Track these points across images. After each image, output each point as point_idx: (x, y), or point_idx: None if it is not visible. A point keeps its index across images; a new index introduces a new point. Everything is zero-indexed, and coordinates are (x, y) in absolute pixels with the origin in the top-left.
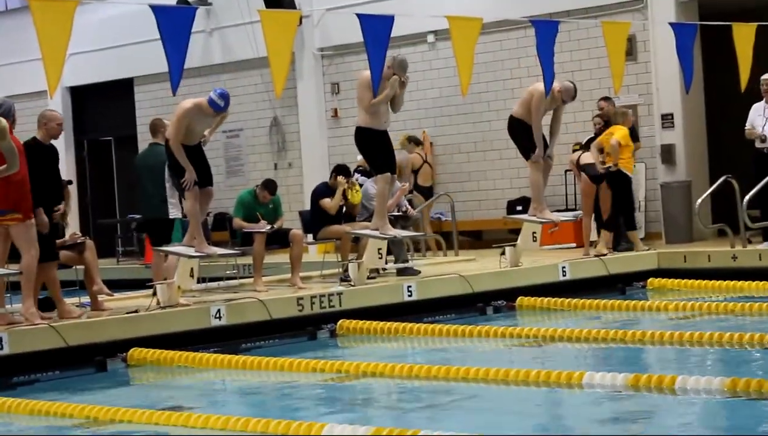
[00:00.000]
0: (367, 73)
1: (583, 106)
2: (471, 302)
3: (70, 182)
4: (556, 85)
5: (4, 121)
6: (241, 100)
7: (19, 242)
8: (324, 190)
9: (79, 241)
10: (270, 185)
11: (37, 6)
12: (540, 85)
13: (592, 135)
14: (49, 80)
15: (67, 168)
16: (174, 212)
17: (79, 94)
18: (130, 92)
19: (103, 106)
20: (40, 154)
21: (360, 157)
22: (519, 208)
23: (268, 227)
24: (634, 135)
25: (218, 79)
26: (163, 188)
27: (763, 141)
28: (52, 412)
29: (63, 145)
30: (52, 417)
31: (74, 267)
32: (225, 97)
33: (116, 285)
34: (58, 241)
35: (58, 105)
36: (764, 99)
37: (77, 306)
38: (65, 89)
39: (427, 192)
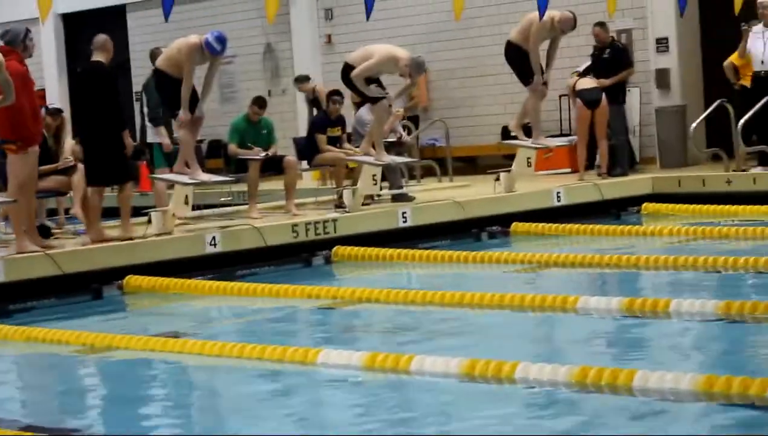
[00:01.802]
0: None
1: (578, 31)
2: (466, 228)
3: (60, 111)
4: (555, 14)
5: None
6: (234, 27)
7: (9, 170)
8: (323, 119)
9: (70, 164)
10: (258, 100)
11: None
12: (545, 17)
13: (589, 63)
14: (41, 6)
15: (60, 96)
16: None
17: (72, 21)
18: (123, 19)
19: (95, 33)
20: (113, 77)
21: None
22: (513, 133)
23: (263, 154)
24: (627, 59)
25: (210, 6)
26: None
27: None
28: (49, 339)
29: (56, 73)
30: (49, 344)
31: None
32: (222, 40)
33: (111, 213)
34: (48, 166)
35: (51, 32)
36: (762, 22)
37: (72, 234)
38: (57, 16)
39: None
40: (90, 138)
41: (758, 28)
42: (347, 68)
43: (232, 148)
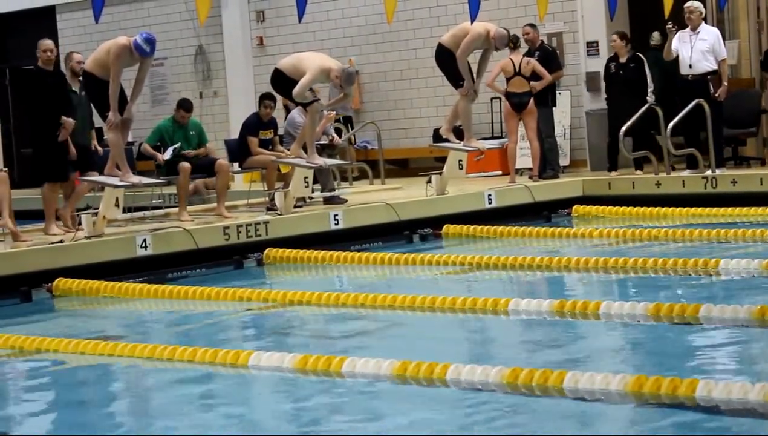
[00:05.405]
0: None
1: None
2: (397, 230)
3: None
4: (492, 29)
5: None
6: (166, 29)
7: None
8: (255, 122)
9: None
10: (184, 103)
11: None
12: (481, 30)
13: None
14: None
15: None
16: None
17: (1, 22)
18: (53, 20)
19: (25, 33)
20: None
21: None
22: (445, 136)
23: (180, 154)
24: (557, 62)
25: (141, 7)
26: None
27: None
28: None
29: None
30: None
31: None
32: (151, 41)
33: (42, 215)
34: None
35: None
36: (688, 26)
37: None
38: None
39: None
40: (40, 135)
41: (685, 32)
42: (277, 74)
43: (145, 146)
